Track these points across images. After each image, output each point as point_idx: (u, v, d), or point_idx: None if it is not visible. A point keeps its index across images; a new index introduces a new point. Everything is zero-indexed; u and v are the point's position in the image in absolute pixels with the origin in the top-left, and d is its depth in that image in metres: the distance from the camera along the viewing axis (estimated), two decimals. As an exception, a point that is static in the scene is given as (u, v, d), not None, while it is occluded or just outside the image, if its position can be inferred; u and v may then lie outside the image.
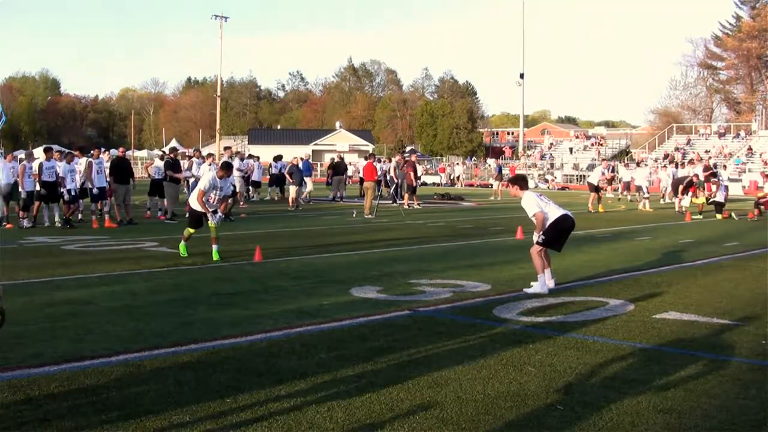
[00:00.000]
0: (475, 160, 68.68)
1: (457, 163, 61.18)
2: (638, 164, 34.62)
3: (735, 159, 52.41)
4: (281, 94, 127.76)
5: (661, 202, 29.35)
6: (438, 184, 49.42)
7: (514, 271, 10.44)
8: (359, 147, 76.26)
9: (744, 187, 43.66)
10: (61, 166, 16.83)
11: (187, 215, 12.59)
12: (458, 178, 52.57)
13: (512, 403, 4.77)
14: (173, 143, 63.44)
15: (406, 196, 26.14)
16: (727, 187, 24.01)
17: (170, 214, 19.01)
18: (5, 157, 20.22)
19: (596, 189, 24.73)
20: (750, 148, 53.80)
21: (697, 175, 24.39)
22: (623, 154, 62.40)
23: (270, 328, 6.81)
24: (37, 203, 17.07)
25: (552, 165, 62.11)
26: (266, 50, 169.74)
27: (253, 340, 6.33)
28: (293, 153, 33.00)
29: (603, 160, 33.71)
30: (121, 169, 18.49)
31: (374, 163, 24.16)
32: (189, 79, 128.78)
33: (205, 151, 23.52)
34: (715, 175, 24.64)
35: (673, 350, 6.20)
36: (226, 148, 30.12)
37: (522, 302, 8.19)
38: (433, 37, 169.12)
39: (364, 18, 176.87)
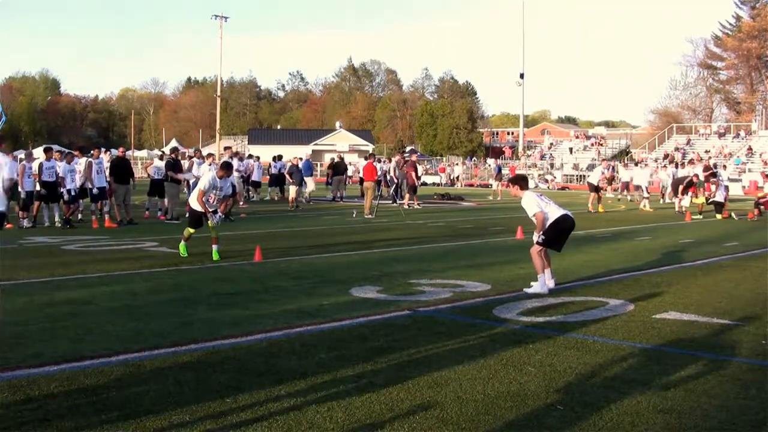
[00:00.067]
0: (475, 160, 68.67)
1: (457, 164, 61.20)
2: (637, 164, 34.70)
3: (735, 159, 52.42)
4: (281, 94, 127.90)
5: (661, 202, 29.36)
6: (438, 184, 49.44)
7: (514, 271, 10.44)
8: (359, 147, 76.25)
9: (744, 187, 43.66)
10: (61, 166, 16.84)
11: (186, 215, 12.59)
12: (458, 178, 52.63)
13: (512, 403, 4.77)
14: (173, 143, 63.41)
15: (407, 196, 26.15)
16: (727, 187, 24.01)
17: (171, 214, 19.00)
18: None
19: (596, 189, 24.73)
20: (750, 148, 53.81)
21: (697, 175, 24.40)
22: (623, 154, 62.39)
23: (270, 328, 6.80)
24: (37, 203, 17.08)
25: (552, 165, 62.11)
26: (266, 50, 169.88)
27: (253, 340, 6.33)
28: (293, 153, 33.01)
29: (603, 160, 33.74)
30: (121, 169, 18.50)
31: (374, 163, 24.16)
32: (189, 79, 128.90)
33: (205, 151, 23.48)
34: (715, 175, 24.66)
35: (673, 350, 6.20)
36: (226, 148, 30.13)
37: (522, 302, 8.19)
38: (433, 37, 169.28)
39: (364, 18, 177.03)
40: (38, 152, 25.11)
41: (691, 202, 23.82)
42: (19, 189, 16.84)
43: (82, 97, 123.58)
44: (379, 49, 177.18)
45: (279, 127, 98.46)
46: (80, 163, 17.53)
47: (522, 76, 69.03)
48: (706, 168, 27.23)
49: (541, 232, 8.95)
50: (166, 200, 19.46)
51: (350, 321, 7.15)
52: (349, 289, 8.83)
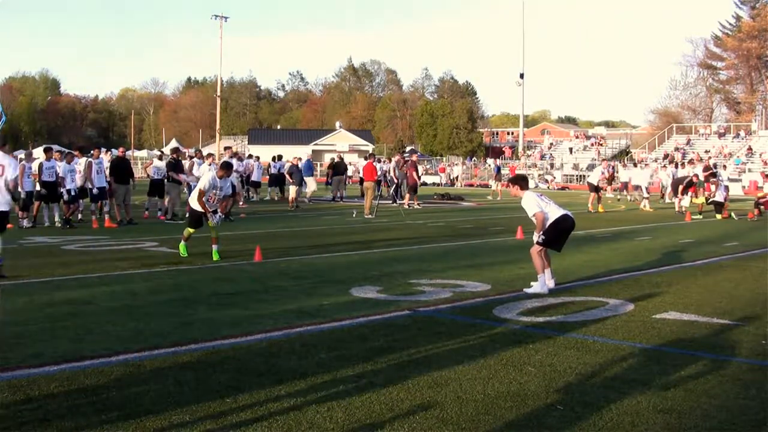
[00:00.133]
0: (474, 161, 68.67)
1: (456, 164, 61.20)
2: (635, 164, 34.84)
3: (735, 159, 52.42)
4: (281, 94, 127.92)
5: (661, 202, 29.36)
6: (438, 184, 49.45)
7: (514, 271, 10.44)
8: (359, 147, 76.26)
9: (744, 187, 43.67)
10: (61, 166, 16.84)
11: (186, 215, 12.60)
12: (457, 178, 52.66)
13: (512, 403, 4.77)
14: (173, 143, 63.39)
15: (407, 195, 26.15)
16: (727, 187, 24.02)
17: (171, 214, 19.01)
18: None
19: (596, 189, 24.73)
20: (750, 148, 53.81)
21: (697, 175, 24.41)
22: (623, 154, 62.39)
23: (270, 328, 6.80)
24: (37, 203, 17.08)
25: (552, 165, 62.11)
26: (266, 50, 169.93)
27: (253, 340, 6.33)
28: (293, 153, 33.00)
29: (603, 160, 33.74)
30: (121, 169, 18.50)
31: (374, 163, 24.16)
32: (189, 79, 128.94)
33: (205, 151, 23.49)
34: (714, 175, 24.66)
35: (673, 350, 6.20)
36: (226, 148, 30.13)
37: (522, 302, 8.19)
38: (433, 37, 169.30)
39: (364, 18, 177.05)
40: (38, 152, 25.13)
41: (691, 202, 23.83)
42: (19, 189, 16.84)
43: (82, 97, 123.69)
44: (379, 49, 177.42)
45: (279, 127, 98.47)
46: (80, 163, 17.53)
47: (522, 76, 69.02)
48: (706, 168, 27.24)
49: (541, 232, 8.95)
50: (166, 200, 19.47)
51: (350, 321, 7.15)
52: (349, 289, 8.83)
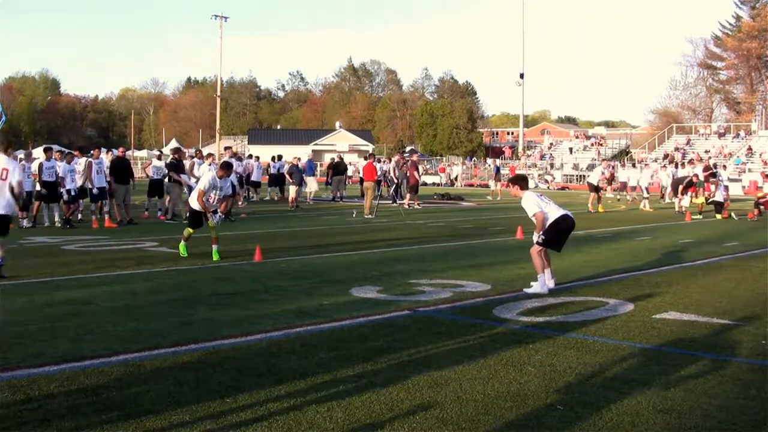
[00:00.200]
0: (474, 161, 68.68)
1: (456, 163, 61.19)
2: (634, 165, 34.96)
3: (735, 159, 52.42)
4: (281, 94, 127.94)
5: (661, 202, 29.36)
6: (438, 184, 49.46)
7: (514, 271, 10.44)
8: (359, 147, 76.28)
9: (744, 187, 43.67)
10: (61, 166, 16.84)
11: (186, 215, 12.60)
12: (456, 178, 52.66)
13: (512, 403, 4.77)
14: (173, 143, 63.39)
15: (408, 195, 26.16)
16: (726, 187, 24.03)
17: (171, 214, 19.00)
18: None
19: (596, 189, 24.74)
20: (750, 148, 53.81)
21: (696, 175, 24.41)
22: (623, 154, 62.40)
23: (270, 328, 6.80)
24: (36, 203, 17.08)
25: (552, 165, 62.12)
26: (266, 50, 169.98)
27: (253, 340, 6.33)
28: (293, 153, 33.00)
29: (603, 160, 33.74)
30: (121, 169, 18.49)
31: (374, 163, 24.16)
32: (189, 79, 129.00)
33: (205, 152, 23.49)
34: (714, 175, 24.66)
35: (673, 350, 6.21)
36: (226, 148, 30.12)
37: (522, 302, 8.19)
38: (433, 37, 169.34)
39: (364, 18, 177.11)
40: (38, 152, 25.12)
41: (691, 202, 23.83)
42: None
43: (82, 97, 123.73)
44: (379, 49, 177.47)
45: (279, 127, 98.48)
46: (80, 163, 17.52)
47: (522, 76, 69.01)
48: (706, 168, 27.23)
49: (541, 232, 8.95)
50: (166, 200, 19.47)
51: (350, 321, 7.15)
52: (349, 289, 8.83)
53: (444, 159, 70.88)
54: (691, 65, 75.70)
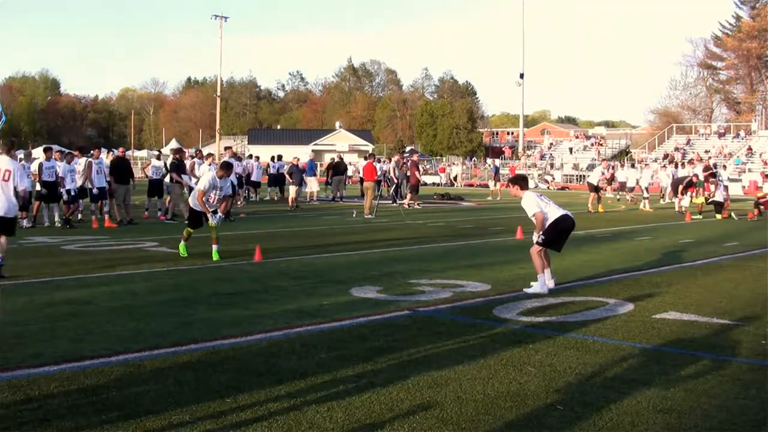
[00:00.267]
0: (474, 161, 68.68)
1: (455, 164, 61.18)
2: (633, 165, 35.05)
3: (735, 159, 52.43)
4: (281, 94, 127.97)
5: (661, 202, 29.36)
6: (438, 184, 49.46)
7: (514, 271, 10.44)
8: (359, 147, 76.29)
9: (744, 187, 43.68)
10: (61, 166, 16.83)
11: (186, 215, 12.60)
12: (455, 178, 52.66)
13: (512, 403, 4.77)
14: (173, 143, 63.46)
15: (408, 195, 26.16)
16: (726, 187, 24.03)
17: (171, 214, 19.00)
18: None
19: (596, 189, 24.74)
20: (750, 148, 53.82)
21: (696, 175, 24.41)
22: (623, 154, 62.41)
23: (270, 328, 6.80)
24: (36, 203, 17.07)
25: (552, 165, 62.12)
26: (266, 50, 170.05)
27: (253, 340, 6.33)
28: (293, 153, 33.02)
29: (603, 160, 33.74)
30: (121, 169, 18.48)
31: (374, 163, 24.16)
32: (189, 79, 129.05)
33: (205, 152, 23.49)
34: (714, 175, 24.66)
35: (673, 350, 6.20)
36: (226, 148, 30.13)
37: (522, 302, 8.19)
38: (433, 37, 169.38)
39: (364, 18, 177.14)
40: (38, 152, 25.13)
41: (691, 202, 23.83)
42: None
43: (82, 97, 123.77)
44: (379, 49, 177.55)
45: (279, 127, 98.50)
46: (80, 163, 17.52)
47: (522, 76, 69.02)
48: (706, 168, 27.23)
49: (541, 232, 8.95)
50: (167, 200, 19.46)
51: (350, 321, 7.15)
52: (349, 289, 8.83)
53: (444, 159, 70.87)
54: (691, 65, 75.84)
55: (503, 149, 79.63)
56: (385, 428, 4.29)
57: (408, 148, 72.73)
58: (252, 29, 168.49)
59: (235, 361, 5.65)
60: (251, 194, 28.93)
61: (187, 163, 19.71)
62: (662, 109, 76.57)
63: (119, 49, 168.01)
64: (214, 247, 11.44)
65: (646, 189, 26.71)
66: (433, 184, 49.53)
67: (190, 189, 18.19)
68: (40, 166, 16.79)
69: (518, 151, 70.45)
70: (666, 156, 52.52)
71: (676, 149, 56.59)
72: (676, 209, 24.11)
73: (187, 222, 12.34)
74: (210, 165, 18.08)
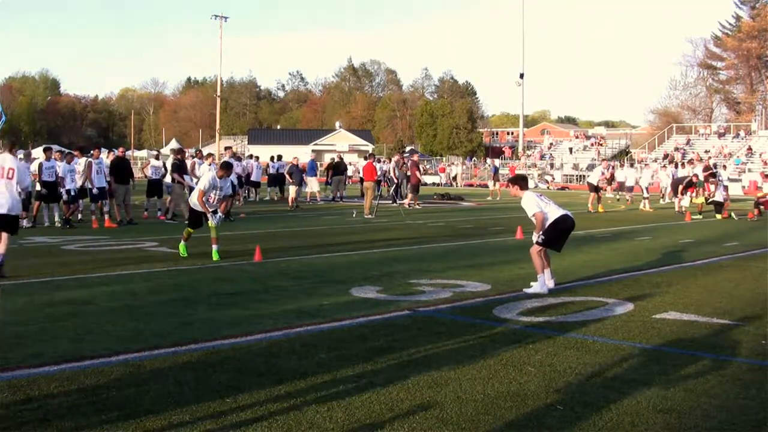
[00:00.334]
0: (474, 161, 68.69)
1: (455, 164, 61.19)
2: (632, 165, 35.14)
3: (735, 159, 52.43)
4: (281, 94, 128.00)
5: (661, 202, 29.36)
6: (438, 184, 49.47)
7: (514, 271, 10.44)
8: (359, 147, 76.31)
9: (744, 187, 43.67)
10: (61, 166, 16.83)
11: (186, 215, 12.60)
12: (455, 178, 52.67)
13: (512, 403, 4.77)
14: (173, 143, 63.46)
15: (409, 195, 26.15)
16: (726, 187, 24.03)
17: (171, 214, 18.99)
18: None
19: (596, 189, 24.74)
20: (750, 148, 53.82)
21: (696, 175, 24.40)
22: (623, 154, 62.41)
23: (270, 328, 6.80)
24: (36, 203, 17.07)
25: (552, 165, 62.11)
26: (266, 50, 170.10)
27: (253, 340, 6.33)
28: (293, 153, 33.03)
29: (603, 160, 33.74)
30: (121, 169, 18.48)
31: (374, 163, 24.16)
32: (189, 79, 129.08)
33: (205, 152, 23.49)
34: (714, 175, 24.66)
35: (673, 350, 6.20)
36: (226, 148, 30.13)
37: (522, 302, 8.19)
38: (433, 37, 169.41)
39: (364, 18, 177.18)
40: (38, 152, 25.11)
41: (691, 202, 23.83)
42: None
43: (82, 97, 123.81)
44: (379, 49, 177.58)
45: (279, 127, 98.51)
46: (80, 163, 17.52)
47: (522, 76, 68.99)
48: (706, 168, 27.23)
49: (541, 232, 8.95)
50: (167, 200, 19.45)
51: (350, 321, 7.15)
52: (349, 289, 8.83)
53: (444, 159, 70.88)
54: (691, 65, 75.85)
55: (503, 149, 79.62)
56: (385, 428, 4.29)
57: (408, 148, 72.74)
58: (252, 29, 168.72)
59: (235, 361, 5.65)
60: (251, 194, 28.93)
61: (187, 163, 19.69)
62: (662, 109, 76.62)
63: (119, 49, 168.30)
64: (214, 247, 11.44)
65: (646, 189, 26.71)
66: (433, 184, 49.54)
67: (191, 189, 18.21)
68: (40, 166, 16.78)
69: (518, 151, 70.44)
70: (666, 156, 52.52)
71: (676, 149, 56.59)
72: (676, 209, 24.11)
73: (187, 222, 12.34)
74: (210, 165, 18.08)
